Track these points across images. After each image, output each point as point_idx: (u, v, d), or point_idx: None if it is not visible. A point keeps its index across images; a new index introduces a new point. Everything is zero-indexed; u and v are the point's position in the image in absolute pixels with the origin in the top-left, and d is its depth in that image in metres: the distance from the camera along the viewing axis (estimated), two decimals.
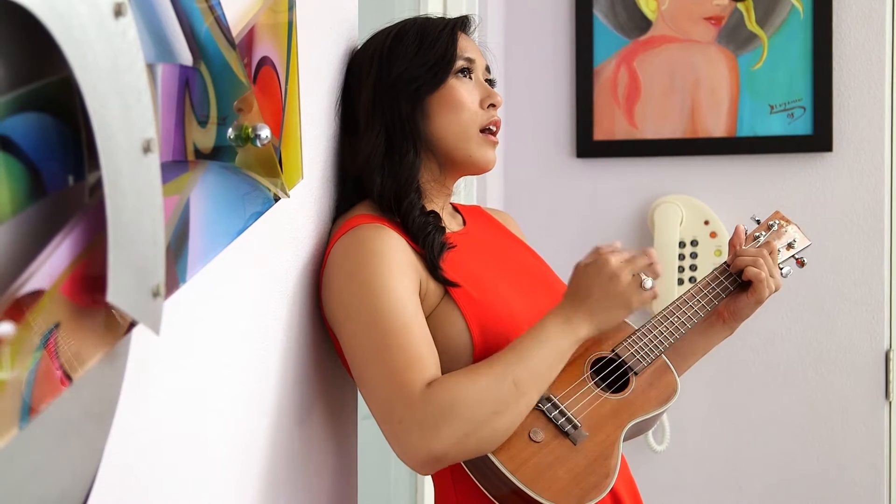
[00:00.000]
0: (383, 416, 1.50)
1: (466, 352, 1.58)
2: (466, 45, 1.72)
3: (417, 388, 1.47)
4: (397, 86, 1.67)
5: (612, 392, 1.65)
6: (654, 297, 1.62)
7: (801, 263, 1.94)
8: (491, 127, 1.71)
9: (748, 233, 1.92)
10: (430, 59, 1.68)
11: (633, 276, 1.59)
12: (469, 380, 1.49)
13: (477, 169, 1.74)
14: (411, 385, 1.47)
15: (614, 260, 1.59)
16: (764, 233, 1.93)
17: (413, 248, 1.61)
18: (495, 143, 1.73)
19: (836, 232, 2.86)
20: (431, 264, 1.60)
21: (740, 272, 1.82)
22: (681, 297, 1.80)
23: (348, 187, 1.73)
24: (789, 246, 1.93)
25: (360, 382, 1.55)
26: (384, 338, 1.51)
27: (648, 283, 1.59)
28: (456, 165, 1.72)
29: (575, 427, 1.58)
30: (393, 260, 1.56)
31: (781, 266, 1.88)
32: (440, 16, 1.77)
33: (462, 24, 1.74)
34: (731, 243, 1.87)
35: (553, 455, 1.56)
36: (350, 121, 1.72)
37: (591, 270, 1.60)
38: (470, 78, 1.71)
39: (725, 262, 1.86)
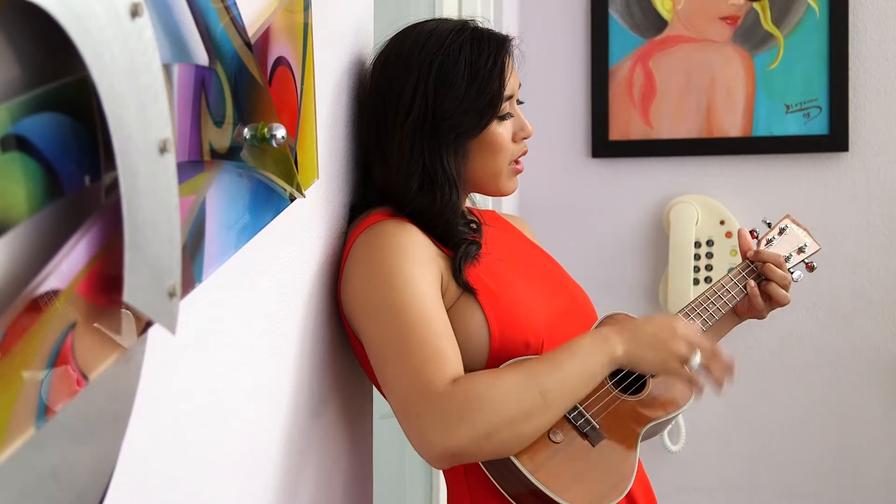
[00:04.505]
0: (403, 409, 1.49)
1: (484, 347, 1.58)
2: (511, 78, 1.67)
3: (439, 382, 1.46)
4: (440, 131, 1.62)
5: (630, 394, 1.66)
6: (692, 384, 1.64)
7: (810, 268, 1.96)
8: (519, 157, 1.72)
9: (760, 236, 1.94)
10: (478, 105, 1.63)
11: (690, 347, 1.61)
12: (495, 381, 1.48)
13: (499, 195, 1.76)
14: (433, 379, 1.46)
15: (685, 324, 1.63)
16: (776, 236, 1.95)
17: (434, 243, 1.62)
18: (520, 171, 1.74)
19: (852, 232, 2.85)
20: (457, 268, 1.60)
21: (759, 276, 1.86)
22: (696, 299, 1.82)
23: (369, 191, 1.72)
24: (800, 250, 1.95)
25: (380, 376, 1.54)
26: (407, 332, 1.50)
27: (696, 361, 1.60)
28: (480, 190, 1.75)
29: (594, 428, 1.59)
30: (415, 255, 1.56)
31: (792, 270, 1.91)
32: (486, 28, 1.69)
33: (510, 51, 1.68)
34: (742, 248, 1.90)
35: (572, 456, 1.56)
36: (380, 134, 1.66)
37: (660, 317, 1.63)
38: (510, 115, 1.69)
39: (740, 265, 1.89)
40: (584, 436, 1.58)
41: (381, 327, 1.53)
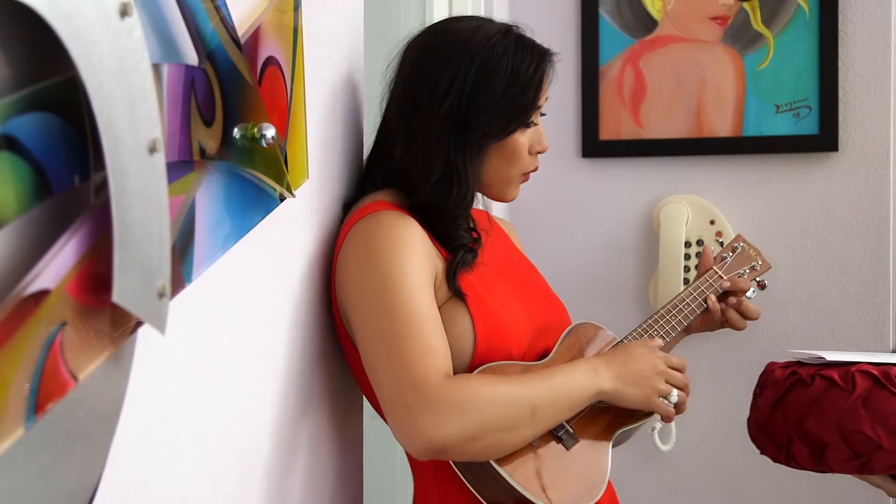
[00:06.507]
0: (391, 398, 1.49)
1: (468, 351, 1.59)
2: (545, 92, 1.68)
3: (432, 376, 1.47)
4: (468, 127, 1.62)
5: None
6: (669, 418, 1.71)
7: (762, 286, 2.06)
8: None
9: (714, 254, 1.99)
10: (511, 109, 1.63)
11: (668, 384, 1.67)
12: (491, 387, 1.50)
13: (500, 201, 1.78)
14: (427, 373, 1.47)
15: (664, 358, 1.69)
16: (729, 254, 2.02)
17: (431, 240, 1.62)
18: (526, 181, 1.75)
19: (842, 232, 2.85)
20: (452, 273, 1.60)
21: (716, 292, 1.94)
22: (664, 306, 1.86)
23: (375, 172, 1.72)
24: (752, 269, 2.01)
25: (370, 367, 1.54)
26: (401, 323, 1.50)
27: (674, 398, 1.68)
28: (483, 193, 1.74)
29: (567, 432, 1.60)
30: (413, 249, 1.56)
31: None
32: (530, 37, 1.70)
33: (551, 64, 1.69)
34: (703, 264, 1.96)
35: (546, 458, 1.57)
36: (409, 118, 1.65)
37: (643, 349, 1.68)
38: (533, 124, 1.69)
39: (699, 280, 1.94)
40: (559, 439, 1.59)
41: (375, 316, 1.53)
